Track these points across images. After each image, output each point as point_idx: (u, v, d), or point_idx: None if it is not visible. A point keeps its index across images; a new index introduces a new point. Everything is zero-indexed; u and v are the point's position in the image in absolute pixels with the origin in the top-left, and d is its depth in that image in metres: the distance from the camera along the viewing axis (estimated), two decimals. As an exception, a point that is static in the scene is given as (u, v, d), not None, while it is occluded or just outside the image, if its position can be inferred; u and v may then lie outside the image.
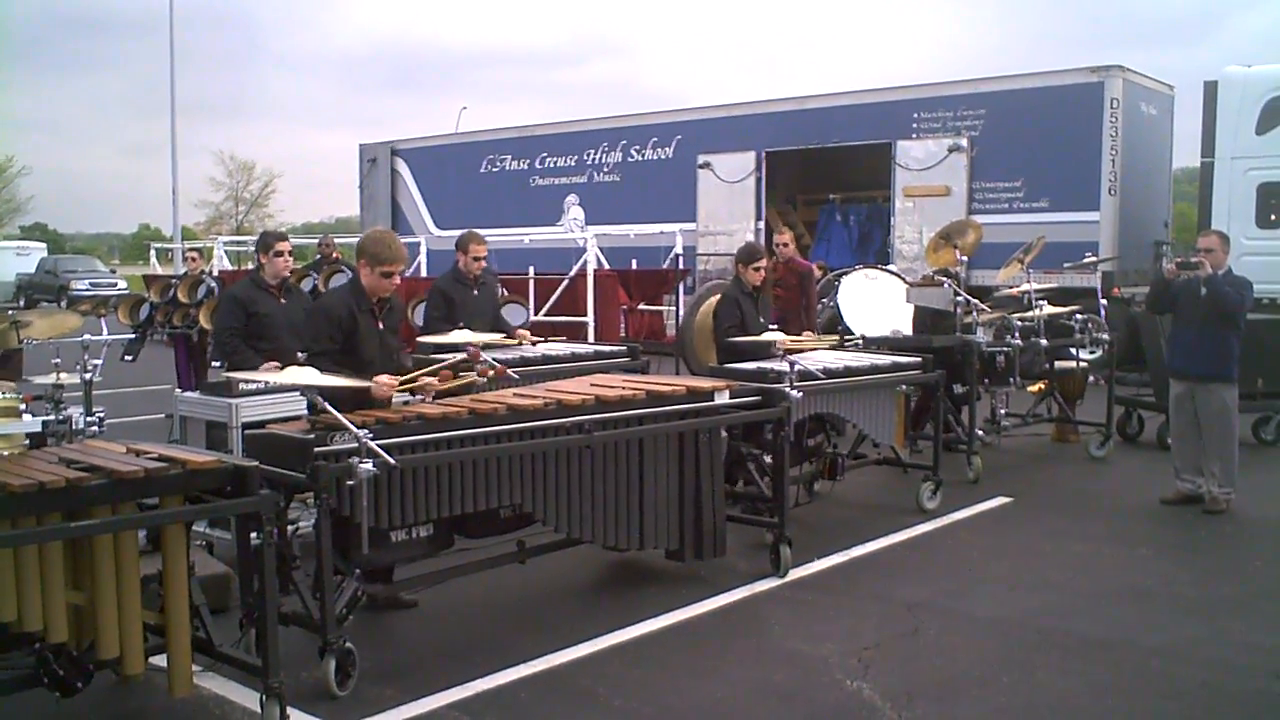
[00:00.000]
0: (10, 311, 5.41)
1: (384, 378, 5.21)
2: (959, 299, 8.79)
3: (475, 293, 7.69)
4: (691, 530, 5.96)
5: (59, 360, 5.57)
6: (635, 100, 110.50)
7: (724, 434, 6.16)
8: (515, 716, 4.43)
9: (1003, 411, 9.55)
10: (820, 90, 20.28)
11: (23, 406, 5.14)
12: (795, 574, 6.23)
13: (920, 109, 16.89)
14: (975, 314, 8.77)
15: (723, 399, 6.09)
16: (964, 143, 16.10)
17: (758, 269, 7.63)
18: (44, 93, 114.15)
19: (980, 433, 8.87)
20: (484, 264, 7.78)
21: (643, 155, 20.97)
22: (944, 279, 9.32)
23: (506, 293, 11.83)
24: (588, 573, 6.34)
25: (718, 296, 8.44)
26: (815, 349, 7.70)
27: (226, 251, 24.86)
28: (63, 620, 3.83)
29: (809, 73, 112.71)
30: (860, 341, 8.96)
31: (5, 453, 4.61)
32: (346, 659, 4.59)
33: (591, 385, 5.86)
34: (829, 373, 6.91)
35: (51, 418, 5.31)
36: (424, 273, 20.08)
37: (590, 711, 4.51)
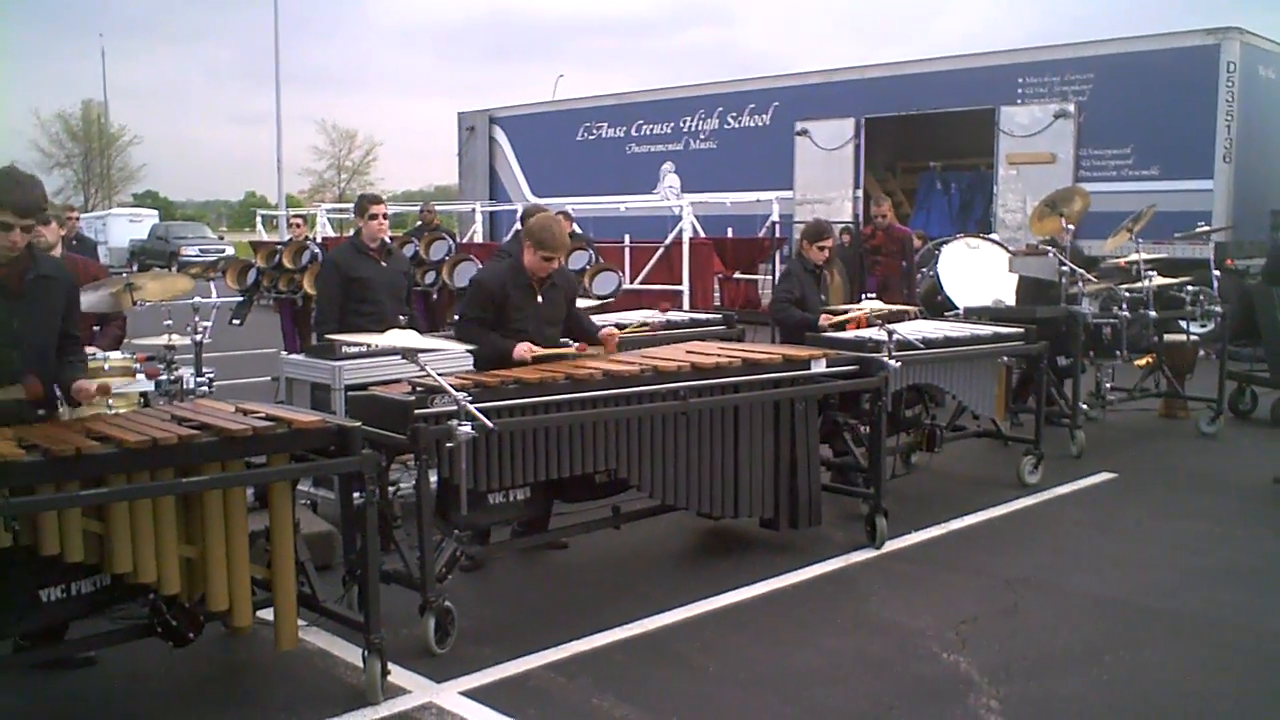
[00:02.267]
0: (125, 275, 5.57)
1: (524, 345, 5.38)
2: (1064, 269, 8.55)
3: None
4: (787, 499, 5.93)
5: (170, 322, 5.74)
6: (733, 67, 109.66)
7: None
8: (610, 679, 4.47)
9: (1108, 385, 9.28)
10: (921, 55, 19.90)
11: (137, 367, 5.32)
12: (891, 545, 6.17)
13: (1025, 73, 16.43)
14: (1081, 284, 8.53)
15: (819, 368, 6.03)
16: (1071, 108, 15.61)
17: (822, 248, 7.48)
18: (157, 63, 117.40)
19: (1084, 406, 8.66)
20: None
21: (739, 122, 20.80)
22: (1049, 248, 9.08)
23: (600, 259, 11.84)
24: (682, 540, 6.36)
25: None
26: (857, 318, 7.54)
27: (329, 219, 25.36)
28: (175, 573, 3.96)
29: (909, 37, 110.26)
30: (960, 313, 8.79)
31: (121, 410, 4.79)
32: (445, 617, 4.68)
33: (688, 353, 5.85)
34: (928, 342, 6.80)
35: (164, 378, 5.48)
36: (521, 240, 20.21)
37: (685, 676, 4.53)
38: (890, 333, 6.27)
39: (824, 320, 7.07)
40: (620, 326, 5.92)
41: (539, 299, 5.68)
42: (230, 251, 32.22)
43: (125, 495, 3.75)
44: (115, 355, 5.25)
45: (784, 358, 5.95)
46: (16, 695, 4.31)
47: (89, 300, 5.41)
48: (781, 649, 4.80)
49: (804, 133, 18.61)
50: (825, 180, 18.44)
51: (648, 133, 22.22)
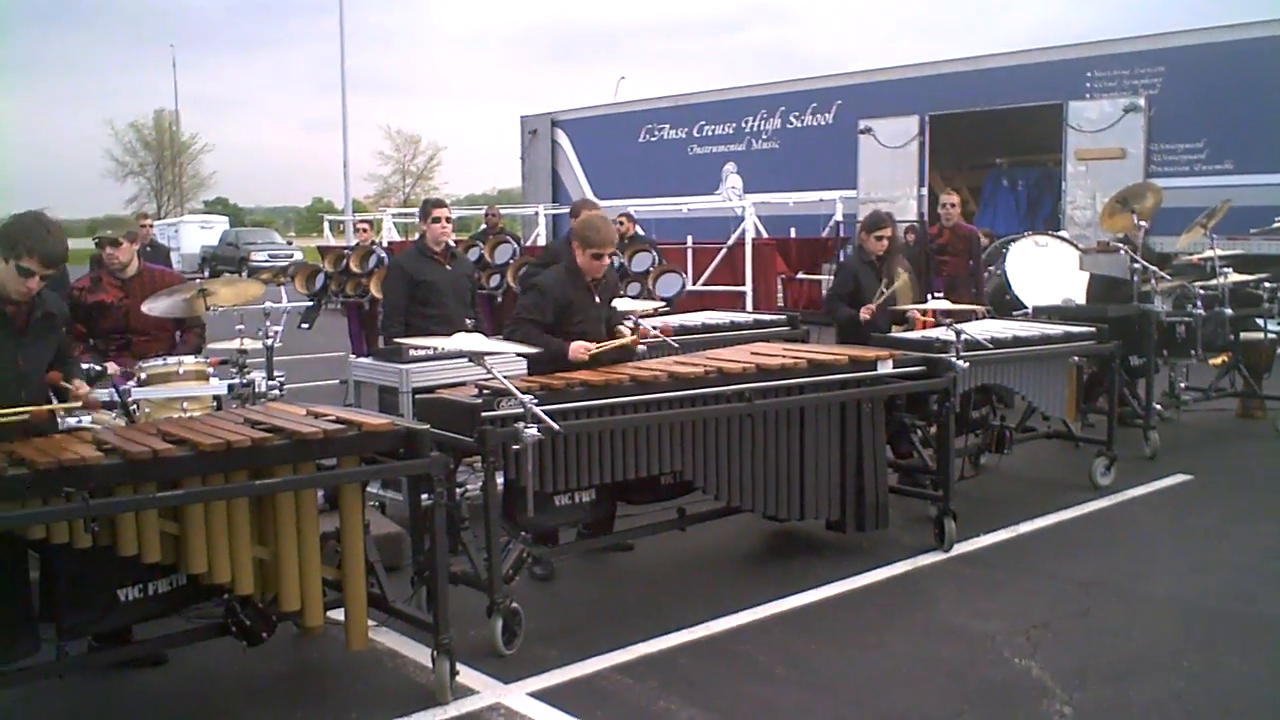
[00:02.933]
0: (198, 281, 5.69)
1: (579, 344, 5.39)
2: (1136, 266, 8.39)
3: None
4: (853, 501, 5.89)
5: (242, 327, 5.84)
6: (795, 66, 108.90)
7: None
8: (677, 681, 4.47)
9: (1183, 385, 9.09)
10: (986, 50, 19.65)
11: (210, 370, 5.43)
12: (960, 548, 6.09)
13: (1094, 67, 16.16)
14: (1154, 282, 8.36)
15: (886, 368, 5.98)
16: (1141, 102, 15.31)
17: (880, 238, 7.37)
18: (226, 73, 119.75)
19: (1158, 407, 8.48)
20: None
21: (802, 121, 20.70)
22: (1120, 245, 8.91)
23: (663, 261, 11.84)
24: (747, 542, 6.34)
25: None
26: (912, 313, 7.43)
27: (395, 223, 25.66)
28: (249, 573, 4.03)
29: (974, 32, 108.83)
30: (1029, 312, 8.66)
31: (196, 413, 4.88)
32: (513, 619, 4.71)
33: (752, 354, 5.83)
34: (997, 342, 6.70)
35: (236, 381, 5.58)
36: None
37: (751, 678, 4.51)
38: (958, 332, 6.20)
39: (864, 313, 6.96)
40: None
41: (597, 299, 5.69)
42: (298, 257, 32.73)
43: (200, 497, 3.82)
44: (190, 360, 5.34)
45: (850, 359, 5.90)
46: (94, 694, 4.42)
47: (165, 306, 5.53)
48: (849, 652, 4.76)
49: (868, 131, 18.45)
50: (889, 179, 18.26)
51: (709, 133, 22.20)
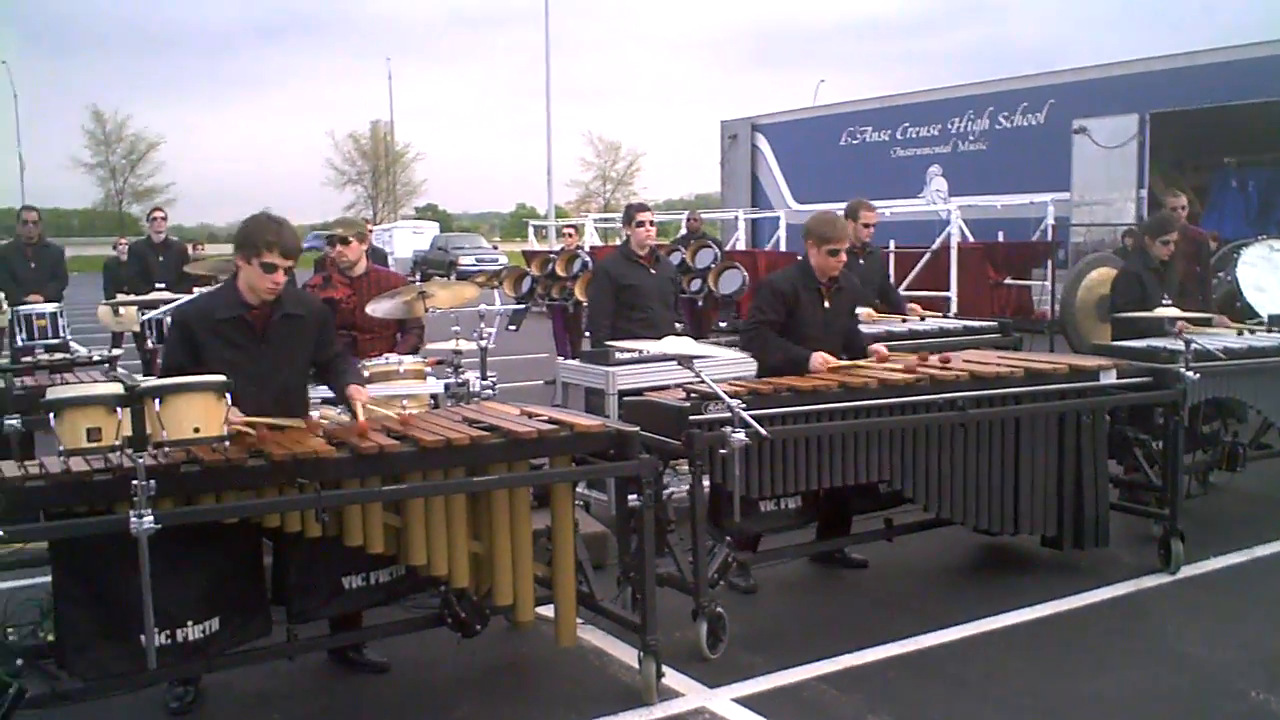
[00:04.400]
0: (418, 284, 5.91)
1: (821, 355, 5.32)
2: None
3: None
4: (1071, 517, 5.62)
5: (458, 328, 6.04)
6: (1002, 65, 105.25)
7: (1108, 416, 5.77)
8: (884, 696, 4.36)
9: None
10: (1212, 44, 18.53)
11: (428, 370, 5.63)
12: (1187, 571, 5.73)
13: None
14: None
15: (1108, 379, 5.69)
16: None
17: (1166, 242, 6.99)
18: (437, 83, 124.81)
19: None
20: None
21: (1011, 122, 20.04)
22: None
23: (724, 256, 11.60)
24: (957, 555, 6.14)
25: (1103, 269, 7.90)
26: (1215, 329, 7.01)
27: (596, 228, 26.13)
28: (464, 567, 4.16)
29: (1196, 25, 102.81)
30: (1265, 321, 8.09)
31: (415, 411, 5.07)
32: (718, 623, 4.69)
33: (965, 361, 5.65)
34: (1230, 353, 6.28)
35: (451, 380, 5.77)
36: (783, 247, 20.20)
37: (963, 699, 4.36)
38: (1188, 342, 5.84)
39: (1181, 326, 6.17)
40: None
41: (826, 304, 5.59)
42: (503, 261, 33.74)
43: (423, 491, 3.97)
44: (409, 359, 5.55)
45: (1070, 368, 5.64)
46: (315, 678, 4.63)
47: (388, 307, 5.77)
48: (1067, 676, 4.55)
49: (1082, 130, 17.68)
50: (1105, 180, 17.45)
51: (914, 135, 21.74)
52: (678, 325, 5.18)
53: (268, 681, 4.51)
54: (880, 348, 5.73)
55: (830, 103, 26.17)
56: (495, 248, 39.09)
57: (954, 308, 15.37)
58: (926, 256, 16.32)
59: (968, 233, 17.12)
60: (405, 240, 41.21)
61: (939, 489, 5.24)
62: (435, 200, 76.74)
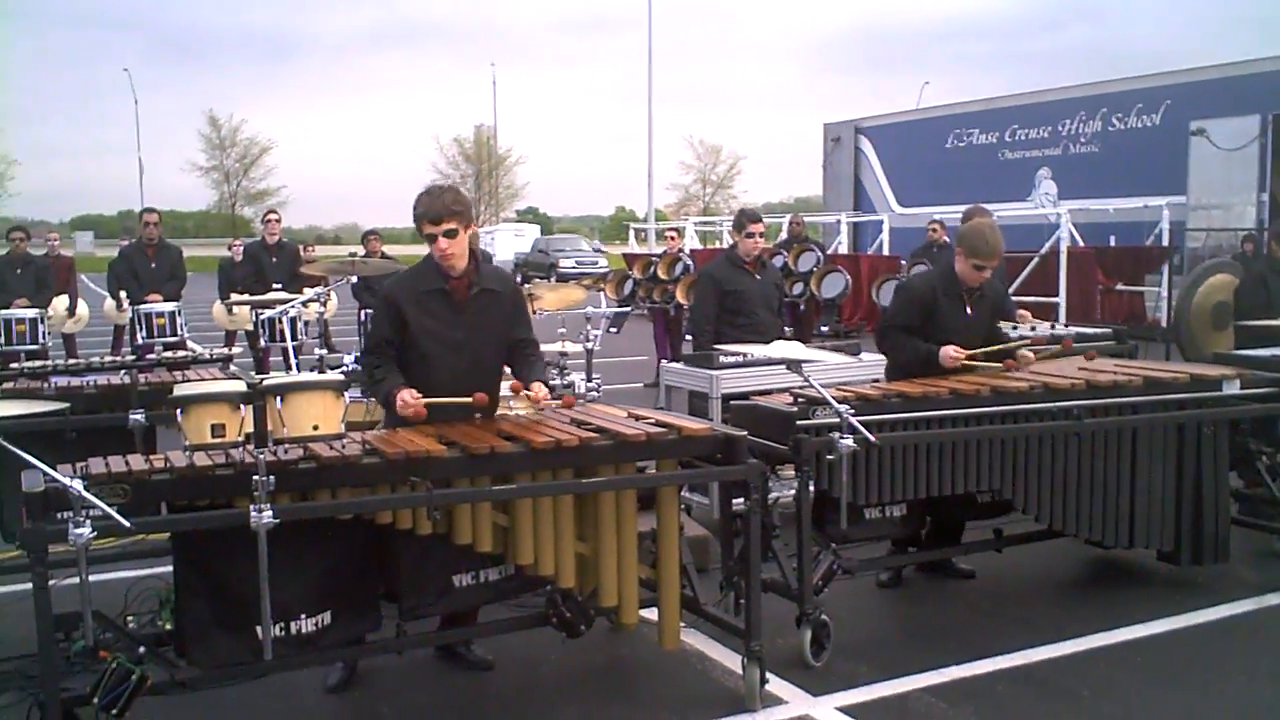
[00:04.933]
0: (526, 286, 5.97)
1: (951, 348, 5.28)
2: None
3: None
4: (1189, 531, 5.44)
5: (564, 330, 6.09)
6: (1117, 65, 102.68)
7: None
8: (994, 711, 4.27)
9: None
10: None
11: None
12: (1315, 589, 5.52)
13: None
14: None
15: (1231, 389, 5.50)
16: None
17: None
18: (540, 88, 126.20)
19: None
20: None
21: (1125, 123, 19.52)
22: None
23: (826, 260, 11.42)
24: (1068, 568, 5.98)
25: (1222, 275, 7.64)
26: None
27: (696, 231, 26.13)
28: (571, 568, 4.18)
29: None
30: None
31: (522, 412, 5.12)
32: (822, 631, 4.65)
33: (1080, 369, 5.51)
34: (1363, 364, 6.03)
35: (557, 382, 5.82)
36: (885, 251, 19.95)
37: (1074, 714, 4.25)
38: (1317, 352, 5.62)
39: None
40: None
41: (968, 310, 5.51)
42: (604, 264, 33.93)
43: (532, 492, 4.00)
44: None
45: (1191, 377, 5.47)
46: (426, 677, 4.71)
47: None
48: (1187, 696, 4.40)
49: (1200, 132, 17.12)
50: (1224, 184, 16.87)
51: (1022, 138, 21.30)
52: (787, 330, 5.13)
53: (375, 676, 4.60)
54: (1029, 354, 5.63)
55: (937, 104, 25.76)
56: (596, 250, 39.29)
57: (1063, 314, 15.00)
58: (1034, 261, 15.95)
59: (1078, 236, 16.70)
60: (506, 243, 41.73)
61: (1051, 499, 5.12)
62: (535, 203, 77.62)
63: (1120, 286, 16.57)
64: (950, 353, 5.28)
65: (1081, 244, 16.68)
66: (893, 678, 4.54)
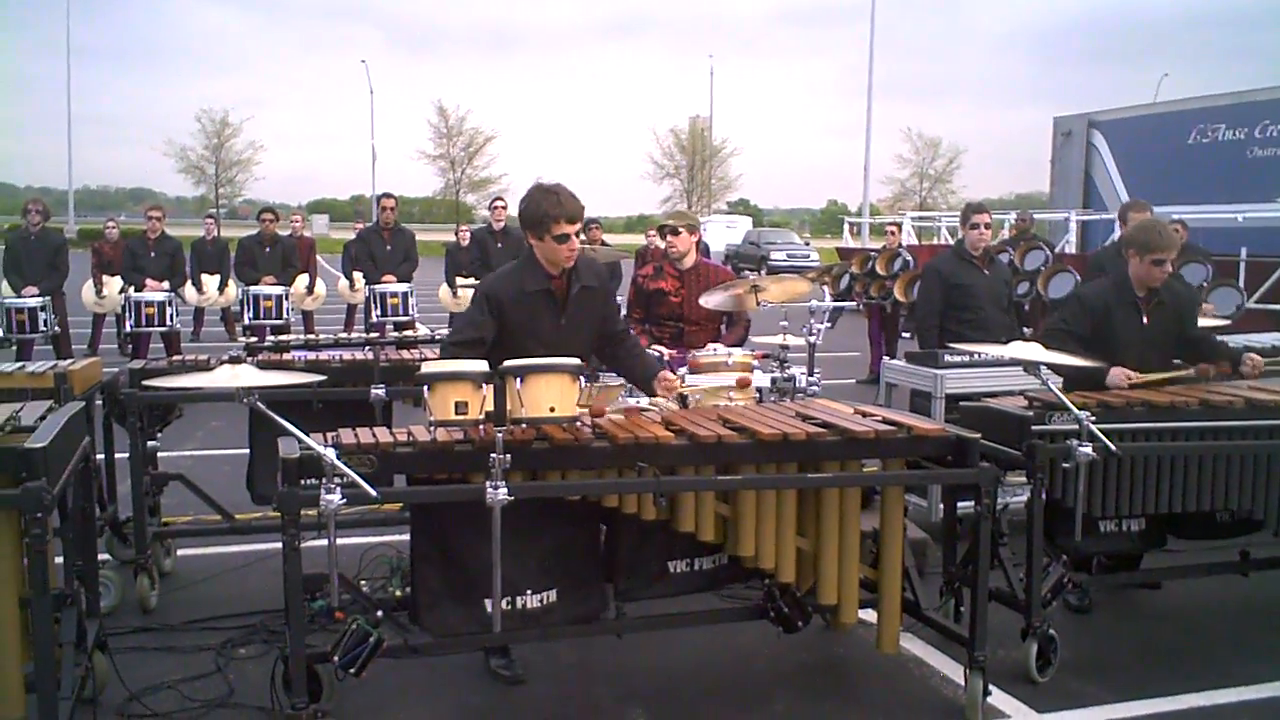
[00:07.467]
0: (751, 278, 5.96)
1: (1122, 370, 4.98)
2: None
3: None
4: None
5: (786, 323, 6.04)
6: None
7: None
8: (1238, 743, 4.02)
9: None
10: None
11: (755, 363, 5.66)
12: None
13: None
14: None
15: None
16: None
17: None
18: (756, 80, 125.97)
19: None
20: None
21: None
22: None
23: (1216, 274, 10.74)
24: (1321, 597, 5.57)
25: None
26: None
27: (912, 227, 25.52)
28: (791, 563, 4.16)
29: None
30: None
31: (743, 403, 5.12)
32: (1048, 645, 4.47)
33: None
34: None
35: (777, 375, 5.78)
36: (1117, 251, 18.95)
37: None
38: None
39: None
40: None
41: (1144, 319, 5.19)
42: (815, 258, 33.60)
43: (758, 484, 4.00)
44: (738, 352, 5.60)
45: None
46: (637, 650, 4.76)
47: (719, 300, 5.86)
48: None
49: None
50: None
51: (1274, 134, 19.83)
52: (1025, 330, 4.93)
53: (589, 654, 4.69)
54: (1258, 358, 5.27)
55: (1178, 99, 24.27)
56: (807, 244, 38.92)
57: (1315, 324, 13.91)
58: (1283, 267, 14.83)
59: (1336, 241, 15.45)
60: (718, 234, 41.77)
61: (1307, 522, 4.76)
62: (747, 195, 77.56)
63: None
64: (1116, 375, 4.94)
65: (1339, 249, 15.41)
66: (1123, 700, 4.34)
